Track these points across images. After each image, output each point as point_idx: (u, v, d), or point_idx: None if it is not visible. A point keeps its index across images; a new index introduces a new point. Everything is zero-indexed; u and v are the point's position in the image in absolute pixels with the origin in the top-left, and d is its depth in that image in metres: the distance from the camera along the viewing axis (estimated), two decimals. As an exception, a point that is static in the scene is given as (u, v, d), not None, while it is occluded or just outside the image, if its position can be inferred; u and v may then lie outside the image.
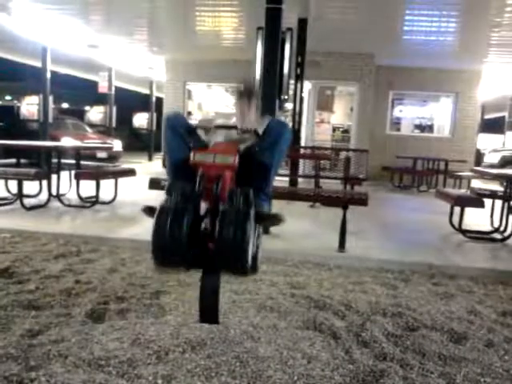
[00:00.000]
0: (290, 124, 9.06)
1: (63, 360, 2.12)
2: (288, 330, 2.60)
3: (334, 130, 12.98)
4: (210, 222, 2.20)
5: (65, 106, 23.22)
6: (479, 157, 15.84)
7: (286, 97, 6.95)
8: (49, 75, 11.73)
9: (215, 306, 2.44)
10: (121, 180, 6.64)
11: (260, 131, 2.53)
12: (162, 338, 2.35)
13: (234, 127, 2.58)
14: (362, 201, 4.33)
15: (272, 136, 2.54)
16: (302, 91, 8.92)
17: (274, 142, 2.56)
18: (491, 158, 15.01)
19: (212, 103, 14.27)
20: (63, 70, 16.87)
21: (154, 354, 2.20)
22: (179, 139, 2.57)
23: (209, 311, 2.43)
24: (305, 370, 2.15)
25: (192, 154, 2.29)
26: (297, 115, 8.88)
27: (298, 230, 5.07)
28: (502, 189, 6.16)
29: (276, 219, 2.46)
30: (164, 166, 2.72)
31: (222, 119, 2.75)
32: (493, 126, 20.92)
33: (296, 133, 8.88)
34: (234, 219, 2.09)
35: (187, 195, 2.18)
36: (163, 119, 2.73)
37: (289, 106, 10.04)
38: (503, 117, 19.92)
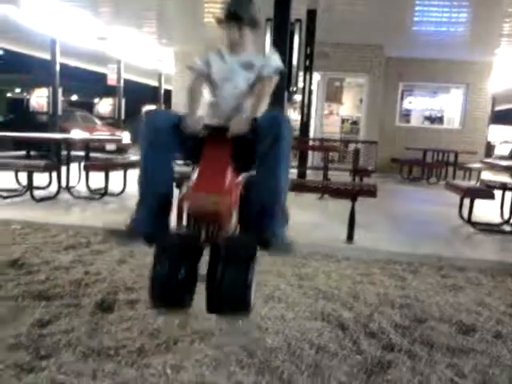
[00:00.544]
0: (299, 116, 9.03)
1: (73, 349, 2.14)
2: (296, 320, 2.61)
3: (343, 121, 12.91)
4: (209, 264, 2.10)
5: (74, 98, 23.29)
6: (489, 148, 15.72)
7: (295, 89, 6.93)
8: (58, 67, 11.77)
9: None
10: (130, 172, 6.66)
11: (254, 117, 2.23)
12: (171, 328, 2.37)
13: (223, 128, 2.26)
14: (371, 192, 4.31)
15: (266, 139, 2.15)
16: (310, 83, 8.88)
17: (272, 145, 2.15)
18: (501, 150, 14.90)
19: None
20: (72, 63, 16.91)
21: (163, 344, 2.22)
22: (162, 155, 2.23)
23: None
24: (312, 361, 2.17)
25: (180, 199, 2.14)
26: (305, 107, 8.85)
27: (306, 221, 5.07)
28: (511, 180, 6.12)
29: (287, 249, 2.28)
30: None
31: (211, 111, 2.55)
32: (503, 118, 20.73)
33: (305, 125, 8.86)
34: (236, 260, 2.00)
35: (185, 240, 2.07)
36: (142, 121, 2.29)
37: (297, 97, 10.00)
38: (514, 108, 19.75)
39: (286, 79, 6.22)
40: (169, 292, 2.02)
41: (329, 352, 2.26)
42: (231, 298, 2.01)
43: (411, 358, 2.27)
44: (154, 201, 2.25)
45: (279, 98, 6.07)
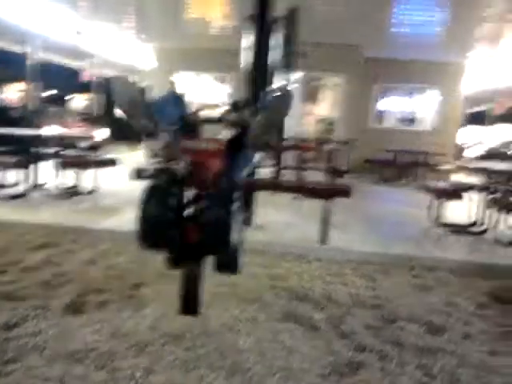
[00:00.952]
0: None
1: (40, 353, 2.10)
2: (268, 322, 2.61)
3: (319, 121, 12.99)
4: (196, 206, 2.21)
5: (48, 93, 22.84)
6: (460, 150, 16.01)
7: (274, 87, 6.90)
8: (32, 62, 11.52)
9: (195, 298, 2.43)
10: (103, 170, 6.57)
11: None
12: (142, 331, 2.34)
13: (220, 120, 2.58)
14: (345, 193, 4.34)
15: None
16: (289, 82, 8.87)
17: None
18: (472, 152, 15.21)
19: (200, 92, 14.15)
20: (47, 57, 16.58)
21: (134, 347, 2.20)
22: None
23: (189, 303, 2.42)
24: (284, 362, 2.17)
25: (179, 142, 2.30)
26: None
27: (280, 221, 5.07)
28: (481, 182, 6.23)
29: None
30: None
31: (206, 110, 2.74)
32: (475, 120, 21.16)
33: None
34: (220, 200, 2.13)
35: (174, 179, 2.20)
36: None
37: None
38: (485, 110, 20.17)
39: (266, 77, 6.21)
40: (156, 230, 2.11)
41: (301, 353, 2.27)
42: (212, 235, 2.12)
43: (382, 358, 2.29)
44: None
45: (257, 96, 6.07)
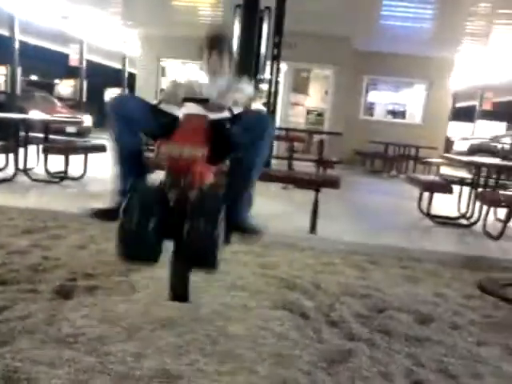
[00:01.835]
0: (265, 107, 9.01)
1: (30, 336, 2.08)
2: (258, 309, 2.61)
3: (309, 112, 12.99)
4: (178, 214, 2.10)
5: (34, 78, 22.53)
6: (449, 144, 16.15)
7: (263, 76, 6.89)
8: (17, 45, 11.34)
9: (186, 285, 2.43)
10: (90, 156, 6.51)
11: (235, 111, 2.42)
12: (132, 316, 2.33)
13: (204, 100, 2.47)
14: (334, 183, 4.35)
15: (253, 132, 2.33)
16: (278, 72, 8.85)
17: (256, 138, 2.34)
18: (460, 146, 15.34)
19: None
20: (33, 41, 16.33)
21: (124, 332, 2.18)
22: (128, 127, 2.36)
23: (179, 289, 2.42)
24: (274, 349, 2.17)
25: (157, 147, 2.18)
26: (272, 97, 8.82)
27: (270, 211, 5.07)
28: (469, 176, 6.30)
29: (257, 234, 2.42)
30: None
31: (188, 89, 2.65)
32: (463, 115, 21.32)
33: (271, 114, 8.84)
34: (205, 212, 2.04)
35: (152, 193, 2.13)
36: (107, 105, 2.45)
37: (264, 87, 9.95)
38: (474, 106, 20.31)
39: (253, 67, 6.19)
40: (136, 242, 2.03)
41: (290, 340, 2.28)
42: (197, 248, 2.03)
43: (371, 347, 2.30)
44: (127, 161, 2.42)
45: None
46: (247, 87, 2.75)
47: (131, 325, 2.23)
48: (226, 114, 2.42)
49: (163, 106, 2.53)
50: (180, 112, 2.51)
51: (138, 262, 2.29)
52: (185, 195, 2.15)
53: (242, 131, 2.35)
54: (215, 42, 2.60)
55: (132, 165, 2.44)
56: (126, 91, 18.50)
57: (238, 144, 2.37)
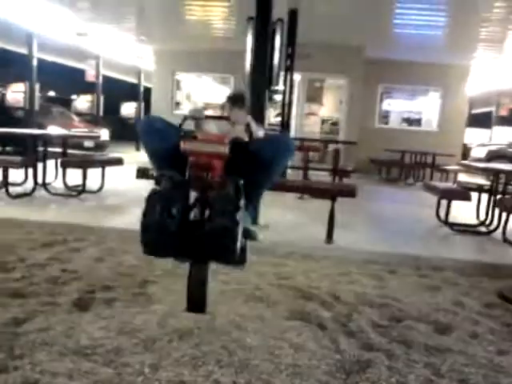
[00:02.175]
0: (279, 118, 9.05)
1: (49, 348, 2.10)
2: (275, 320, 2.60)
3: (323, 122, 12.98)
4: (200, 210, 2.20)
5: (51, 94, 22.91)
6: (466, 151, 15.97)
7: (277, 88, 6.93)
8: (35, 62, 11.58)
9: (203, 296, 2.44)
10: (108, 169, 6.58)
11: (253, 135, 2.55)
12: (149, 327, 2.34)
13: (225, 118, 2.61)
14: (351, 192, 4.34)
15: (276, 149, 2.50)
16: (292, 83, 8.89)
17: (277, 154, 2.51)
18: (478, 153, 15.16)
19: (201, 93, 14.18)
20: (50, 58, 16.63)
21: (141, 343, 2.19)
22: (159, 133, 2.49)
23: (196, 301, 2.43)
24: (291, 360, 2.16)
25: (182, 143, 2.27)
26: (286, 107, 8.86)
27: (286, 221, 5.07)
28: (488, 183, 6.22)
29: (251, 236, 2.54)
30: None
31: (211, 110, 2.79)
32: (480, 121, 21.08)
33: (285, 125, 8.87)
34: (225, 207, 2.09)
35: (176, 184, 2.18)
36: (137, 124, 2.67)
37: (278, 97, 10.00)
38: (490, 112, 20.10)
39: (267, 78, 6.22)
40: (158, 237, 2.09)
41: (308, 351, 2.26)
42: (217, 238, 2.09)
43: (389, 357, 2.28)
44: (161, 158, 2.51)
45: (260, 97, 6.08)
46: (259, 129, 2.94)
47: (148, 336, 2.24)
48: (244, 136, 2.54)
49: (188, 123, 2.61)
50: (203, 128, 2.63)
51: (160, 255, 2.36)
52: (206, 189, 2.23)
53: (263, 147, 2.50)
54: (236, 101, 3.11)
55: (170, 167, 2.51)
56: (142, 105, 18.73)
57: (256, 161, 2.46)
